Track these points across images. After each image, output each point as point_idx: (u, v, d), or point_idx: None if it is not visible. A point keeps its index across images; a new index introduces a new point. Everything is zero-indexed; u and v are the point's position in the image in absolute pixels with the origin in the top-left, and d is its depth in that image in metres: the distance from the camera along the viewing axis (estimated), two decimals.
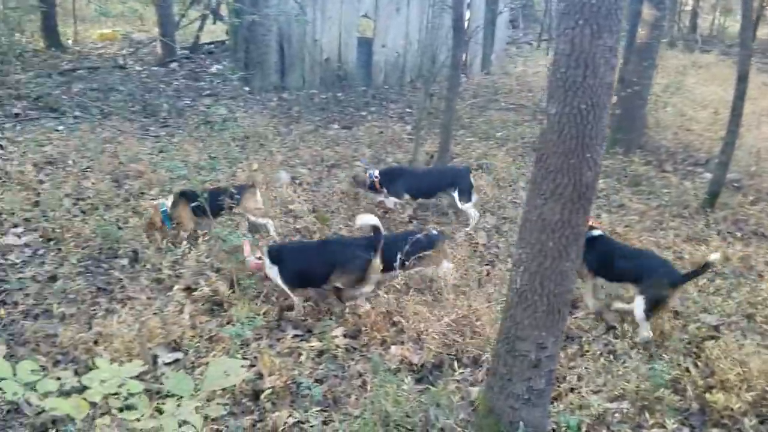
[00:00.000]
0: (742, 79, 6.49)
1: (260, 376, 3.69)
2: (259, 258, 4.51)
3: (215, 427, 3.18)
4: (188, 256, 4.96)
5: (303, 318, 4.42)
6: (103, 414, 2.79)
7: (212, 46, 13.66)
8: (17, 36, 11.37)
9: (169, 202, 5.31)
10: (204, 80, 11.65)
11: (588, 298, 4.65)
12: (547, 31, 17.79)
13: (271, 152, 7.97)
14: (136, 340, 3.78)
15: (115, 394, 2.11)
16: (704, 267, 4.31)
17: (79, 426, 2.68)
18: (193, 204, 5.03)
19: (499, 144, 9.02)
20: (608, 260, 4.53)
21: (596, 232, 4.65)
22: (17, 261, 4.97)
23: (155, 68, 11.95)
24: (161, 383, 3.09)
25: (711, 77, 13.78)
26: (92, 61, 12.04)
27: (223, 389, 3.25)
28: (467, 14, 10.51)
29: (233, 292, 4.48)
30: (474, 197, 6.29)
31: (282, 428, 3.31)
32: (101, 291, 4.59)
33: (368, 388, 3.63)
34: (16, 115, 8.72)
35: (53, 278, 4.72)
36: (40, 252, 5.13)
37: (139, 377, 2.30)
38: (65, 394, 2.13)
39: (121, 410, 2.15)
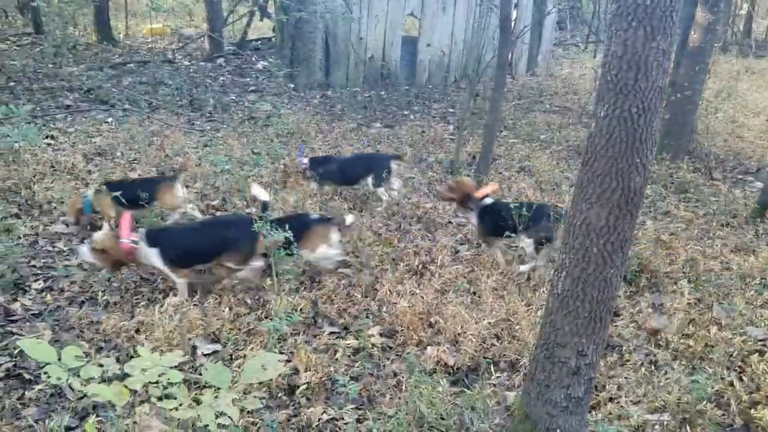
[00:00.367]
0: None
1: (296, 371, 3.71)
2: (134, 242, 4.28)
3: (250, 419, 3.21)
4: None
5: (337, 315, 4.43)
6: (142, 402, 2.85)
7: (258, 42, 13.84)
8: (71, 29, 11.73)
9: (91, 191, 5.46)
10: (249, 76, 11.84)
11: (499, 257, 5.21)
12: (595, 33, 17.45)
13: (312, 149, 8.02)
14: (176, 331, 3.85)
15: (156, 382, 2.15)
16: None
17: (118, 412, 2.73)
18: (115, 194, 5.23)
19: (543, 146, 8.89)
20: (503, 221, 5.03)
21: (488, 201, 5.26)
22: (65, 249, 5.12)
23: (202, 63, 12.18)
24: (200, 374, 3.13)
25: (765, 83, 13.32)
26: (142, 55, 12.34)
27: (260, 383, 3.27)
28: (514, 14, 10.38)
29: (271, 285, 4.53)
30: (395, 183, 6.54)
31: (316, 424, 3.31)
32: (144, 281, 4.68)
33: (403, 388, 3.61)
34: (68, 106, 8.99)
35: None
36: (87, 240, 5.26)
37: (177, 367, 2.34)
38: (107, 380, 2.19)
39: (160, 399, 2.18)
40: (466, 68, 12.42)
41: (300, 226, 4.59)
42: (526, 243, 4.98)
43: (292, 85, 10.94)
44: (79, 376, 2.04)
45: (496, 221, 5.08)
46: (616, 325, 4.38)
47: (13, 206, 5.67)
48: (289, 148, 7.83)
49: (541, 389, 3.12)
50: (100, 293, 4.38)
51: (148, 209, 5.43)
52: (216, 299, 4.37)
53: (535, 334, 3.33)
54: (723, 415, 3.53)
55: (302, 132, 8.65)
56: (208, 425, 2.05)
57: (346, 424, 3.31)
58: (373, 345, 4.03)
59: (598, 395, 3.61)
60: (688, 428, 3.40)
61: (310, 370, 3.70)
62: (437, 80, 12.56)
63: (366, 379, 3.76)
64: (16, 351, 3.65)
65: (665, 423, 3.44)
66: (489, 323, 4.14)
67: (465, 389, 3.62)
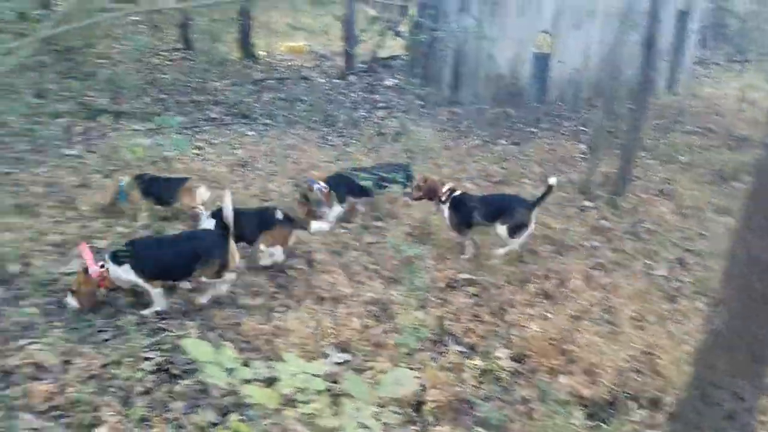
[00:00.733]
0: None
1: (423, 387, 3.70)
2: (102, 266, 4.20)
3: None
4: (360, 260, 5.16)
5: (463, 334, 4.37)
6: (284, 406, 2.95)
7: (389, 60, 14.16)
8: (218, 46, 12.65)
9: (127, 179, 5.89)
10: (379, 93, 12.12)
11: (469, 248, 5.63)
12: (741, 52, 16.19)
13: (438, 165, 8.05)
14: (312, 338, 3.97)
15: (301, 388, 2.22)
16: (548, 189, 5.43)
17: (259, 413, 2.86)
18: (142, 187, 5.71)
19: (684, 169, 8.35)
20: (475, 211, 5.49)
21: (457, 193, 5.65)
22: None
23: (336, 81, 12.64)
24: (333, 382, 3.20)
25: None
26: (281, 72, 13.03)
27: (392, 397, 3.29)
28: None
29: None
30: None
31: None
32: (281, 288, 4.89)
33: (534, 416, 3.49)
34: (213, 119, 9.65)
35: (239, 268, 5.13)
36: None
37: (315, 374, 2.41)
38: (255, 382, 2.29)
39: (304, 404, 2.25)
40: (599, 86, 11.95)
41: (263, 222, 5.05)
42: (501, 229, 5.42)
43: (421, 102, 11.07)
44: (234, 376, 2.15)
45: (466, 212, 5.52)
46: None
47: (161, 211, 6.12)
48: (416, 163, 7.90)
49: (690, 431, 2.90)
50: (241, 297, 4.63)
51: (171, 206, 5.90)
52: (347, 309, 4.47)
53: (680, 370, 3.09)
54: None
55: (429, 148, 8.71)
56: None
57: None
58: (502, 368, 3.93)
59: None
60: None
61: (437, 388, 3.68)
62: (568, 98, 12.18)
63: (494, 402, 3.67)
64: (167, 347, 3.93)
65: None
66: (628, 356, 3.91)
67: (601, 423, 3.44)
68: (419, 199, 5.83)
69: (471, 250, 5.63)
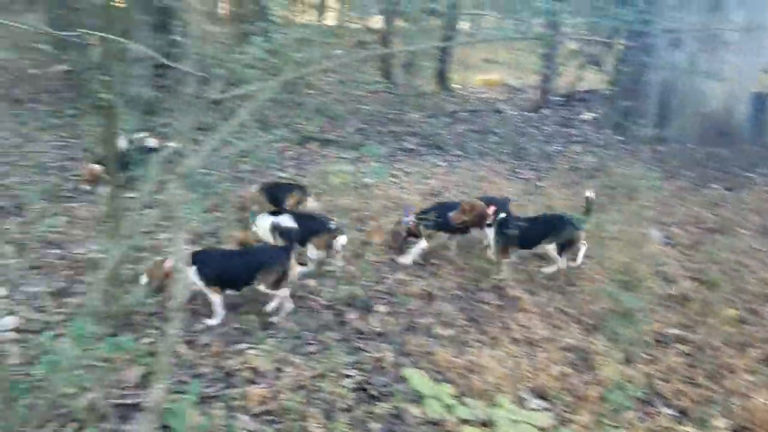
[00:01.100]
0: None
1: None
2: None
3: None
4: (555, 301, 4.98)
5: (674, 396, 3.98)
6: None
7: (587, 94, 13.70)
8: (416, 80, 13.16)
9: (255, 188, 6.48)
10: (575, 127, 11.74)
11: (506, 271, 5.53)
12: None
13: (641, 206, 7.53)
14: (508, 379, 3.88)
15: None
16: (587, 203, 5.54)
17: None
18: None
19: None
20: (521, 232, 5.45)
21: (501, 216, 5.56)
22: (406, 278, 5.59)
23: (529, 114, 12.49)
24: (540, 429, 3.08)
25: None
26: (473, 104, 13.18)
27: None
28: None
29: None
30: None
31: None
32: (473, 322, 4.86)
33: None
34: (410, 150, 10.00)
35: (430, 297, 5.20)
36: (419, 273, 5.68)
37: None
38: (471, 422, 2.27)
39: None
40: None
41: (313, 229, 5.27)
42: (551, 248, 5.49)
43: (620, 138, 10.52)
44: (451, 412, 2.15)
45: (514, 233, 5.46)
46: None
47: (362, 233, 6.41)
48: (613, 202, 7.48)
49: None
50: (434, 325, 4.67)
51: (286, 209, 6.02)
52: (544, 353, 4.32)
53: None
54: None
55: (629, 187, 8.20)
56: None
57: None
58: None
59: None
60: None
61: None
62: None
63: None
64: (367, 367, 4.08)
65: None
66: None
67: None
68: (463, 224, 5.67)
69: (506, 273, 5.53)
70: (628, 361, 4.24)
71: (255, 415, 3.58)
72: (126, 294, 3.82)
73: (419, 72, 13.12)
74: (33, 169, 7.31)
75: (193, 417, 3.32)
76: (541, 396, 3.90)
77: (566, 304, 5.13)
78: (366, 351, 4.32)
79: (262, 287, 4.60)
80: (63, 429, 3.20)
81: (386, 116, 11.63)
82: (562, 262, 5.56)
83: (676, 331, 4.71)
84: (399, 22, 13.38)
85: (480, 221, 5.63)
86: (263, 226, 5.45)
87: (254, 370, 3.95)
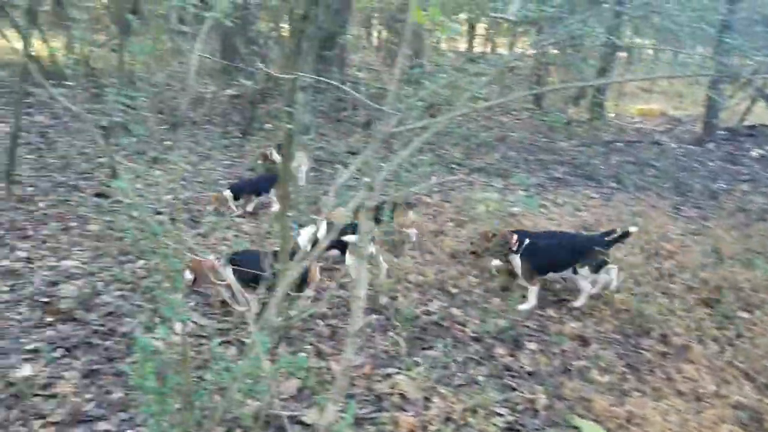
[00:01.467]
0: None
1: None
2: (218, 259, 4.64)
3: None
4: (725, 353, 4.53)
5: None
6: None
7: (755, 129, 12.58)
8: (567, 107, 12.79)
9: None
10: (743, 164, 10.79)
11: (534, 298, 5.33)
12: None
13: None
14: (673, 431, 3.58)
15: None
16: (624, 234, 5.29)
17: None
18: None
19: None
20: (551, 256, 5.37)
21: (527, 241, 5.40)
22: (554, 315, 5.38)
23: (691, 147, 11.66)
24: None
25: None
26: (630, 135, 12.55)
27: None
28: None
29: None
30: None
31: None
32: (632, 369, 4.55)
33: None
34: (558, 179, 9.69)
35: (585, 341, 4.93)
36: (573, 311, 5.43)
37: None
38: None
39: None
40: None
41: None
42: (584, 272, 5.27)
43: None
44: None
45: (542, 257, 5.36)
46: None
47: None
48: None
49: None
50: (592, 371, 4.42)
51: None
52: (711, 409, 3.93)
53: None
54: None
55: None
56: None
57: None
58: None
59: None
60: None
61: None
62: None
63: None
64: (519, 407, 3.94)
65: None
66: None
67: None
68: (483, 252, 5.72)
69: (534, 302, 5.36)
70: None
71: None
72: (288, 308, 4.00)
73: (571, 100, 12.76)
74: (204, 185, 7.98)
75: None
76: None
77: (737, 358, 4.65)
78: (517, 390, 4.18)
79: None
80: None
81: (535, 144, 11.40)
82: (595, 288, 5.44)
83: None
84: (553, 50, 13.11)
85: (506, 250, 5.55)
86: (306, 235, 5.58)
87: (403, 396, 3.96)
